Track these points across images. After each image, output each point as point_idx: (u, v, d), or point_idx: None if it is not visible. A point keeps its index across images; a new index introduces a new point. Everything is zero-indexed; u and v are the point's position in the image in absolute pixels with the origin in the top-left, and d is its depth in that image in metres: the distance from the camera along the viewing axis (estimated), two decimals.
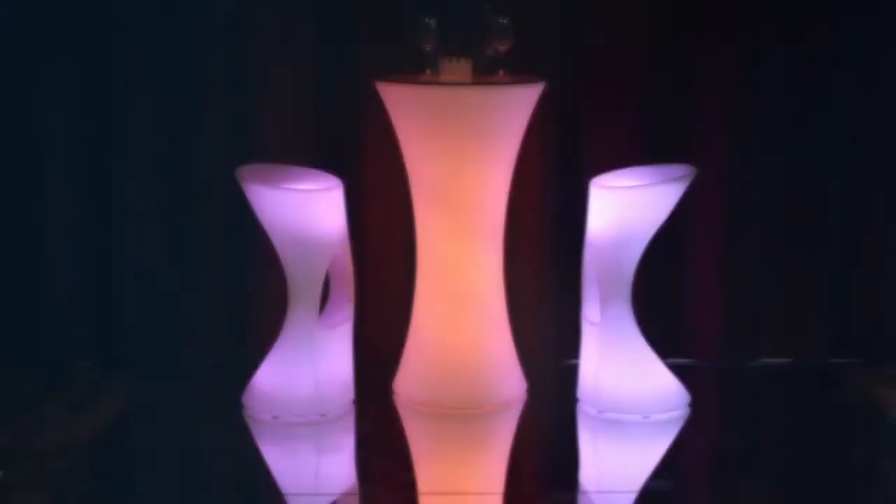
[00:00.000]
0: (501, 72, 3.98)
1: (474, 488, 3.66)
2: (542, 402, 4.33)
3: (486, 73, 4.01)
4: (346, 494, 3.68)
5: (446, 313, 4.11)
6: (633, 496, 3.59)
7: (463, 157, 3.97)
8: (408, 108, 4.00)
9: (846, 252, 4.57)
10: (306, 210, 3.94)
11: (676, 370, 4.14)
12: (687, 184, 3.95)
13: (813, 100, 4.49)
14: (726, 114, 4.48)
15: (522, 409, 4.18)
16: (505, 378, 4.18)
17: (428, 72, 4.01)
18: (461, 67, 3.94)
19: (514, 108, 3.99)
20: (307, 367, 4.00)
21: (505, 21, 3.93)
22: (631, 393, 4.03)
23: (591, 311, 4.15)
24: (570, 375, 4.31)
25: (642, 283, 4.15)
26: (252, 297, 4.53)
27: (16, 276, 4.52)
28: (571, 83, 4.44)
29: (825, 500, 3.58)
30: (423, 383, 4.15)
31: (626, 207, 3.95)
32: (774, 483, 3.65)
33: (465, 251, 4.07)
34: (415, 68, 4.11)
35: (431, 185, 4.06)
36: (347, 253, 4.12)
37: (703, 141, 4.48)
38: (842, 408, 4.29)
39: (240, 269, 4.52)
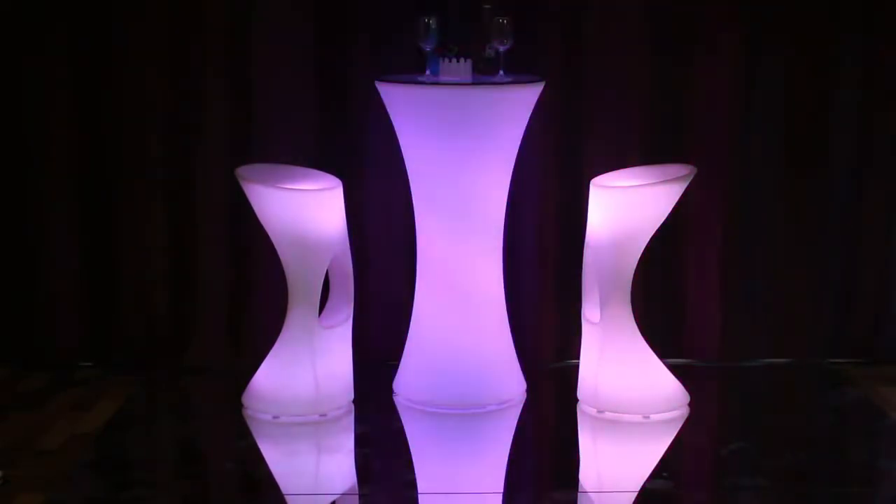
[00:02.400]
0: (501, 72, 3.98)
1: (474, 488, 3.66)
2: (542, 402, 4.33)
3: (486, 73, 4.00)
4: (346, 494, 3.68)
5: (446, 313, 4.11)
6: (633, 496, 3.59)
7: (463, 157, 3.97)
8: (408, 108, 4.00)
9: (846, 252, 4.57)
10: (306, 210, 3.94)
11: (676, 370, 4.14)
12: (687, 184, 3.95)
13: (813, 99, 4.49)
14: (726, 114, 4.48)
15: (522, 409, 4.18)
16: (505, 378, 4.18)
17: (428, 72, 4.01)
18: (461, 67, 3.94)
19: (514, 108, 3.99)
20: (307, 367, 4.01)
21: (505, 21, 3.93)
22: (631, 393, 4.03)
23: (591, 311, 4.15)
24: (570, 375, 4.31)
25: (642, 283, 4.16)
26: (252, 297, 4.53)
27: (16, 277, 4.52)
28: (571, 83, 4.44)
29: (825, 500, 3.58)
30: (423, 383, 4.15)
31: (626, 207, 3.95)
32: (774, 483, 3.65)
33: (465, 251, 4.07)
34: (415, 68, 4.11)
35: (431, 185, 4.06)
36: (347, 253, 4.12)
37: (703, 141, 4.48)
38: (842, 408, 4.30)
39: (240, 269, 4.52)
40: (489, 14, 3.98)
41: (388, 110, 4.05)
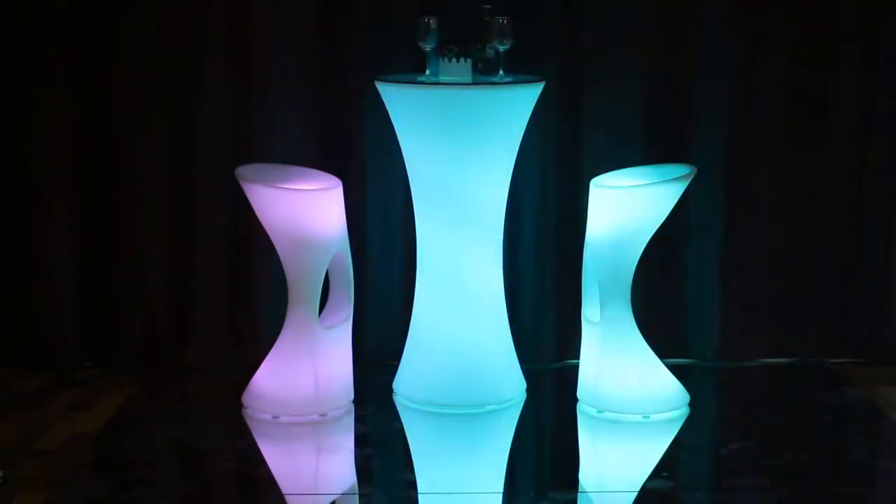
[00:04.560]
0: (501, 72, 3.98)
1: (474, 488, 3.66)
2: (542, 402, 4.33)
3: (486, 73, 4.00)
4: (346, 494, 3.68)
5: (446, 313, 4.11)
6: (633, 496, 3.59)
7: (463, 157, 3.97)
8: (408, 108, 4.00)
9: (847, 252, 4.57)
10: (306, 210, 3.94)
11: (676, 370, 4.14)
12: (687, 184, 3.95)
13: (813, 99, 4.49)
14: (726, 114, 4.48)
15: (522, 409, 4.18)
16: (505, 378, 4.18)
17: (428, 72, 4.01)
18: (461, 67, 3.94)
19: (514, 108, 3.99)
20: (307, 367, 4.01)
21: (505, 21, 3.93)
22: (631, 393, 4.03)
23: (591, 311, 4.15)
24: (570, 375, 4.31)
25: (642, 283, 4.15)
26: (252, 297, 4.53)
27: (16, 277, 4.52)
28: (571, 83, 4.44)
29: (825, 500, 3.58)
30: (423, 383, 4.15)
31: (626, 207, 3.95)
32: (774, 483, 3.65)
33: (465, 251, 4.07)
34: (415, 68, 4.10)
35: (431, 185, 4.06)
36: (347, 253, 4.12)
37: (703, 141, 4.47)
38: (842, 408, 4.30)
39: (239, 269, 4.52)
40: (489, 14, 3.98)
41: (388, 110, 4.05)
